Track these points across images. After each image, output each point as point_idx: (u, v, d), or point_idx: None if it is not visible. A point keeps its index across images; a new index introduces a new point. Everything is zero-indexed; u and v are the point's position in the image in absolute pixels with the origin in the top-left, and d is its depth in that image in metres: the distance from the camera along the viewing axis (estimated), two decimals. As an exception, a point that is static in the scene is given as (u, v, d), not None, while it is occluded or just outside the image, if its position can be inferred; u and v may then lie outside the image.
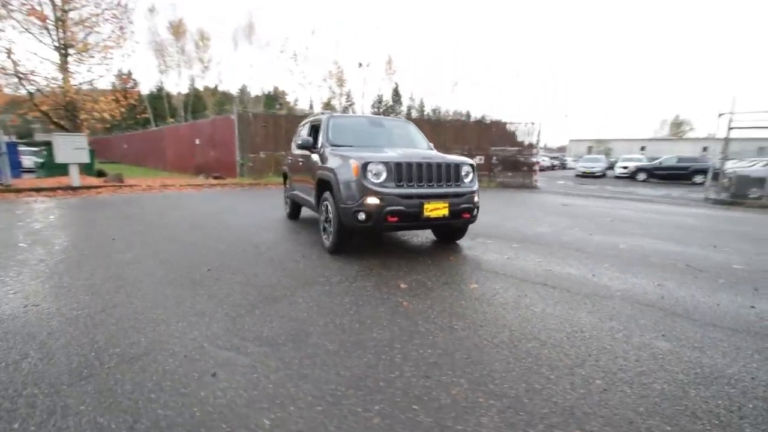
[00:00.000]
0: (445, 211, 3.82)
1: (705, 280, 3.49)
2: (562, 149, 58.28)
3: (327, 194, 4.13)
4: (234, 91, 51.22)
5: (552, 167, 33.27)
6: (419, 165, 3.81)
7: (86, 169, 11.69)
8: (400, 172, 3.74)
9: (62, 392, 1.73)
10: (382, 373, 1.92)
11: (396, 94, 59.47)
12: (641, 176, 22.15)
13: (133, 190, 10.49)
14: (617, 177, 24.19)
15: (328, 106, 52.16)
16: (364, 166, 3.67)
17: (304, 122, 6.18)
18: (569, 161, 37.83)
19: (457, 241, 4.78)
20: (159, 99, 40.68)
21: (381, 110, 52.58)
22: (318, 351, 2.12)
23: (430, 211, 3.74)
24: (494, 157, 15.51)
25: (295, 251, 4.24)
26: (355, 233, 4.03)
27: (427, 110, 60.28)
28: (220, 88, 48.91)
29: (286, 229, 5.54)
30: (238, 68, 79.85)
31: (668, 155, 26.08)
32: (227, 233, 5.10)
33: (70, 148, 9.28)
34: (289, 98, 55.33)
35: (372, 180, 3.68)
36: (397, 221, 3.70)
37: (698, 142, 50.25)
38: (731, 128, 11.58)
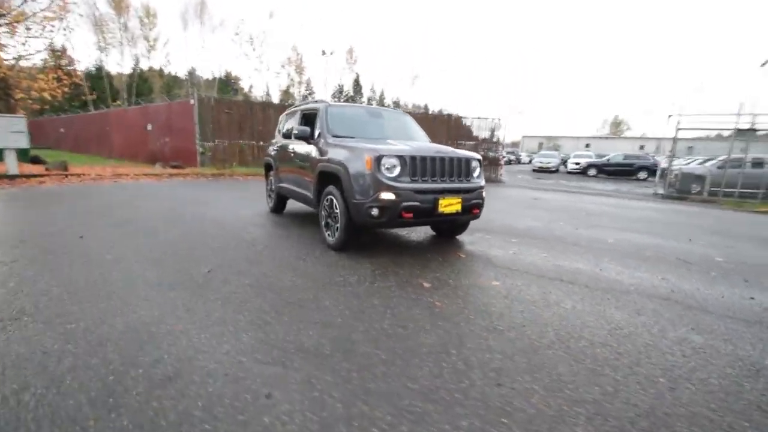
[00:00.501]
0: (458, 207, 3.75)
1: (699, 273, 3.71)
2: (515, 144, 60.79)
3: (331, 188, 3.90)
4: (184, 73, 47.91)
5: (509, 162, 34.62)
6: (433, 159, 3.69)
7: (20, 155, 10.32)
8: (414, 166, 3.60)
9: (92, 430, 1.43)
10: (451, 382, 1.80)
11: (357, 85, 58.79)
12: (592, 172, 23.65)
13: (82, 180, 9.44)
14: (569, 172, 25.65)
15: (287, 93, 50.50)
16: (378, 160, 3.49)
17: (290, 111, 5.82)
18: (523, 156, 39.54)
19: (457, 237, 4.74)
20: (98, 79, 36.95)
21: (342, 100, 51.76)
22: (372, 361, 1.95)
23: (444, 206, 3.64)
24: (463, 151, 15.73)
25: (296, 248, 3.98)
26: (363, 230, 3.85)
27: (388, 102, 60.18)
28: (169, 70, 45.51)
29: (274, 223, 5.21)
30: (188, 50, 74.58)
31: (613, 152, 28.15)
32: (212, 229, 4.69)
33: (6, 132, 8.12)
34: (244, 84, 52.81)
35: (386, 174, 3.50)
36: (411, 217, 3.56)
37: (635, 140, 54.79)
38: (678, 129, 12.61)
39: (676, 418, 1.62)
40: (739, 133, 12.47)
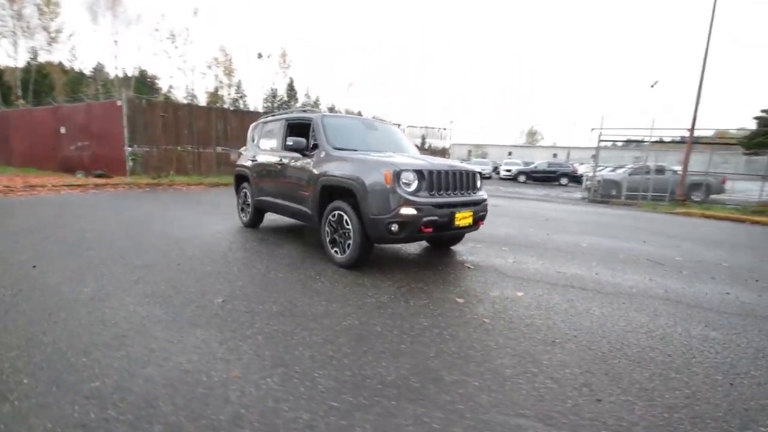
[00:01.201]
0: (470, 220, 3.80)
1: (673, 273, 4.20)
2: (444, 152, 63.74)
3: (339, 203, 3.72)
4: (90, 70, 42.62)
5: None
6: (446, 173, 3.70)
7: None
8: (431, 180, 3.57)
9: None
10: (557, 403, 1.80)
11: (291, 89, 57.28)
12: (522, 178, 25.76)
13: (-14, 193, 7.86)
14: (502, 178, 27.69)
15: (215, 96, 47.40)
16: (398, 174, 3.40)
17: (267, 120, 5.45)
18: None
19: (451, 247, 4.81)
20: (-20, 72, 31.23)
21: (276, 105, 50.04)
22: (468, 389, 1.87)
23: (460, 220, 3.67)
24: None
25: (303, 267, 3.71)
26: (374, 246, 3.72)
27: (323, 107, 59.51)
28: (73, 66, 40.12)
29: (259, 240, 4.81)
30: (99, 45, 66.21)
31: (530, 160, 31.03)
32: (192, 250, 4.19)
33: None
34: (163, 83, 48.56)
35: (405, 189, 3.43)
36: (431, 231, 3.53)
37: (549, 149, 60.84)
38: (601, 140, 14.29)
39: (757, 412, 1.79)
40: (648, 144, 14.51)
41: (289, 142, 4.24)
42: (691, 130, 12.77)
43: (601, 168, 20.19)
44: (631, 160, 13.77)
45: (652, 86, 34.38)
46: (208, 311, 2.63)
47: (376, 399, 1.77)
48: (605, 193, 14.30)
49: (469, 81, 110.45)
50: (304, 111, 4.79)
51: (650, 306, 3.12)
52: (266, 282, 3.28)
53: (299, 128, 4.72)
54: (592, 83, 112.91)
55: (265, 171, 5.08)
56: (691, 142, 12.78)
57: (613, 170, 16.80)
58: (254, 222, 5.55)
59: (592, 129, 14.58)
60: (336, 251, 3.83)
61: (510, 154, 54.10)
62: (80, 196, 8.38)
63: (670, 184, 13.19)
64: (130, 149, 12.01)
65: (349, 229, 3.64)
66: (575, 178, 23.45)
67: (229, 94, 50.54)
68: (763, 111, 11.38)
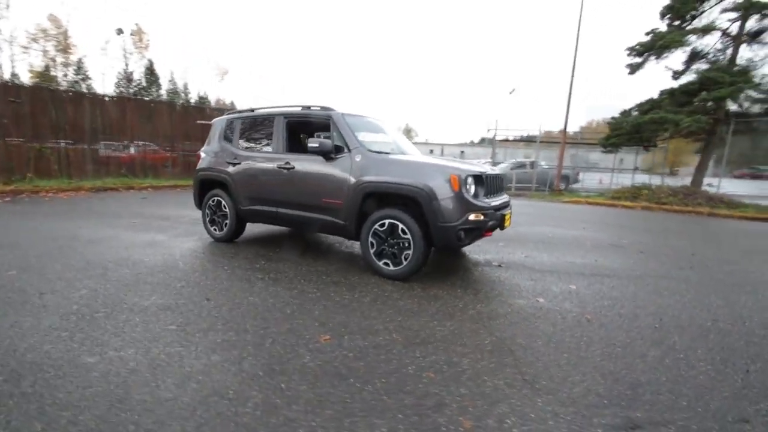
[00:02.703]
0: (510, 220, 3.95)
1: (636, 255, 5.08)
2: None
3: (393, 212, 3.43)
4: None
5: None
6: (494, 177, 3.76)
7: None
8: (487, 184, 3.58)
9: None
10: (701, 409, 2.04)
11: (151, 74, 49.25)
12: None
13: None
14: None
15: (45, 76, 37.60)
16: (465, 179, 3.31)
17: (248, 115, 4.61)
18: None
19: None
20: None
21: (133, 91, 42.46)
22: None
23: (507, 221, 3.78)
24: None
25: (346, 285, 3.32)
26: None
27: (193, 97, 52.86)
28: None
29: (256, 255, 4.09)
30: None
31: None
32: (187, 278, 3.34)
33: None
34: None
35: (470, 194, 3.37)
36: (490, 235, 3.55)
37: (424, 146, 66.20)
38: (496, 140, 16.27)
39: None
40: (528, 142, 17.07)
41: (313, 143, 3.70)
42: (564, 132, 15.55)
43: (485, 163, 23.19)
44: (521, 156, 16.13)
45: (510, 93, 40.33)
46: (295, 357, 2.16)
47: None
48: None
49: (348, 76, 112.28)
50: (308, 108, 4.21)
51: (665, 287, 3.74)
52: (324, 314, 2.83)
53: (304, 127, 4.15)
54: (462, 85, 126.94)
55: (257, 176, 4.32)
56: (564, 142, 15.57)
57: (495, 165, 19.33)
58: (234, 235, 4.70)
59: (488, 129, 16.51)
60: (386, 263, 3.52)
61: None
62: None
63: (549, 176, 15.88)
64: (-42, 145, 8.74)
65: (406, 239, 3.39)
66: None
67: (65, 75, 40.78)
68: (612, 118, 14.53)
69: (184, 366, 1.99)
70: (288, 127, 4.26)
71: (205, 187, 4.85)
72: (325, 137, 3.84)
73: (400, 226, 3.40)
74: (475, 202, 3.34)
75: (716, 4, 12.64)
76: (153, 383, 1.83)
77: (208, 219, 4.83)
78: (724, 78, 10.87)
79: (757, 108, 12.38)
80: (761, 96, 11.28)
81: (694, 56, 13.66)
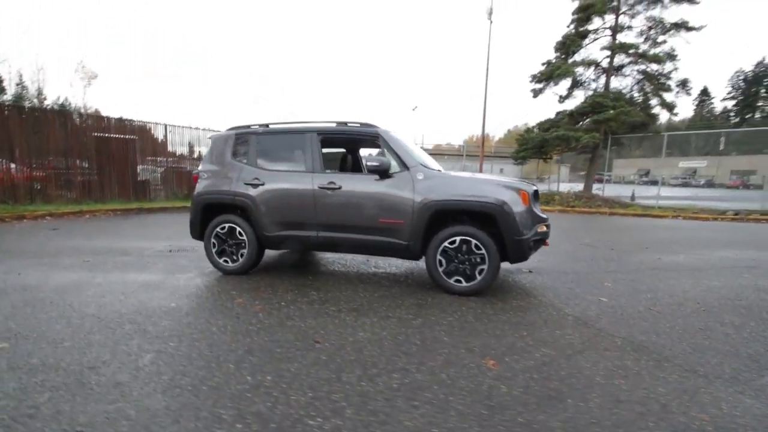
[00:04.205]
0: (544, 229, 4.28)
1: (616, 252, 5.95)
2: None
3: (467, 228, 3.45)
4: None
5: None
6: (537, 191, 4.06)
7: None
8: (537, 197, 3.84)
9: None
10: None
11: (-11, 75, 39.57)
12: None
13: None
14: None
15: None
16: (534, 194, 3.52)
17: (264, 131, 4.12)
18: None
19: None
20: None
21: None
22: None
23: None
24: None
25: (438, 307, 3.24)
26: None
27: (49, 103, 43.95)
28: None
29: (294, 286, 3.68)
30: None
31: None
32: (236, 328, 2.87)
33: None
34: None
35: (536, 207, 3.60)
36: (547, 245, 3.82)
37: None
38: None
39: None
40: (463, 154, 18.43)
41: (373, 162, 3.53)
42: (482, 146, 17.28)
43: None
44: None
45: (413, 110, 43.11)
46: (439, 382, 2.10)
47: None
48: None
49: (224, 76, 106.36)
50: (344, 124, 3.96)
51: (681, 275, 4.50)
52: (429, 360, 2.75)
53: (339, 144, 3.89)
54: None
55: (290, 198, 3.89)
56: (483, 155, 17.30)
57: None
58: (252, 265, 4.12)
59: (415, 142, 17.45)
60: (458, 281, 3.51)
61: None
62: None
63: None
64: None
65: (480, 254, 3.44)
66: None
67: None
68: (519, 135, 16.74)
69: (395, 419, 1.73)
70: (322, 144, 3.96)
71: (211, 212, 4.17)
72: (378, 155, 3.69)
73: (473, 242, 3.44)
74: (540, 214, 3.59)
75: (591, 43, 15.65)
76: (397, 448, 1.56)
77: (215, 250, 4.14)
78: (608, 102, 13.47)
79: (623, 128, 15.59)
80: (632, 119, 14.20)
81: (575, 84, 16.61)
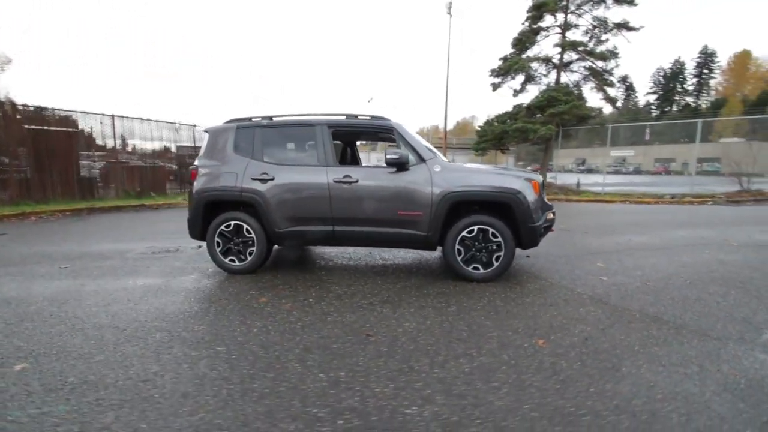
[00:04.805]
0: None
1: (593, 236, 6.45)
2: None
3: (484, 218, 3.59)
4: None
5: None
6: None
7: None
8: (544, 186, 4.08)
9: None
10: None
11: None
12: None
13: None
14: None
15: None
16: (542, 184, 3.73)
17: (269, 124, 3.96)
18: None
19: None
20: None
21: None
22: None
23: (546, 217, 4.37)
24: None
25: (462, 294, 3.37)
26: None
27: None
28: None
29: (321, 282, 3.63)
30: None
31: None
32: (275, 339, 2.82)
33: None
34: None
35: (545, 196, 3.82)
36: (553, 231, 4.08)
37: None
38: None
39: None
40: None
41: (392, 155, 3.55)
42: (444, 138, 17.72)
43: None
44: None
45: (368, 102, 42.97)
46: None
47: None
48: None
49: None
50: (354, 116, 3.91)
51: (656, 253, 4.99)
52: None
53: (349, 136, 3.85)
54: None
55: (302, 193, 3.79)
56: (446, 147, 17.75)
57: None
58: (261, 263, 3.98)
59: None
60: (476, 268, 3.66)
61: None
62: None
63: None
64: None
65: (496, 242, 3.61)
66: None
67: None
68: (479, 126, 17.37)
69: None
70: (332, 137, 3.89)
71: (213, 210, 3.95)
72: (397, 147, 3.71)
73: (491, 230, 3.60)
74: (549, 203, 3.83)
75: (543, 39, 16.57)
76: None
77: (220, 249, 3.94)
78: (561, 96, 14.40)
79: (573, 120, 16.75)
80: (582, 112, 15.29)
81: (528, 79, 17.52)
